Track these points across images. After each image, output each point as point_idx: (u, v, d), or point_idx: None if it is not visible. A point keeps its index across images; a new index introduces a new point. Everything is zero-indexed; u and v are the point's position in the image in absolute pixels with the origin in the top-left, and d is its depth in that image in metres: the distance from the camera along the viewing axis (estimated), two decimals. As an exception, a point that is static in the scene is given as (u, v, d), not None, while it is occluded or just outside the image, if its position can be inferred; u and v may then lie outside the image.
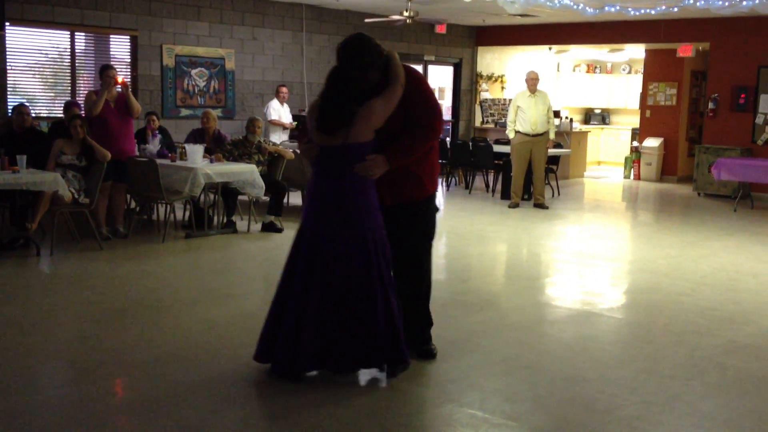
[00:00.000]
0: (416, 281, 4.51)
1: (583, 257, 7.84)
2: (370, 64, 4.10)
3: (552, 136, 10.98)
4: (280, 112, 11.59)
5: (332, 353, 4.13)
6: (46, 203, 7.18)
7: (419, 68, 15.36)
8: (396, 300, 4.20)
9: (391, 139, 4.13)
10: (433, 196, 4.49)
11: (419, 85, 4.28)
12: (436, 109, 4.32)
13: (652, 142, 15.07)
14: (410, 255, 4.42)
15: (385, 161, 4.10)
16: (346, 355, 4.13)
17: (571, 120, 15.66)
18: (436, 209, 4.55)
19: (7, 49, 9.92)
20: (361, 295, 4.08)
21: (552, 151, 11.48)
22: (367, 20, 12.23)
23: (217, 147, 8.88)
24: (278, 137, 11.37)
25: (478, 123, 16.39)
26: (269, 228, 8.60)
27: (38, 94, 10.67)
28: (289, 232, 8.54)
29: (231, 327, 5.20)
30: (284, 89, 11.69)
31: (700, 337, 5.26)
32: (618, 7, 11.55)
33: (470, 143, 12.92)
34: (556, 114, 12.75)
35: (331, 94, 4.07)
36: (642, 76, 15.95)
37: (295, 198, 10.37)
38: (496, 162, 12.25)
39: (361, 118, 4.03)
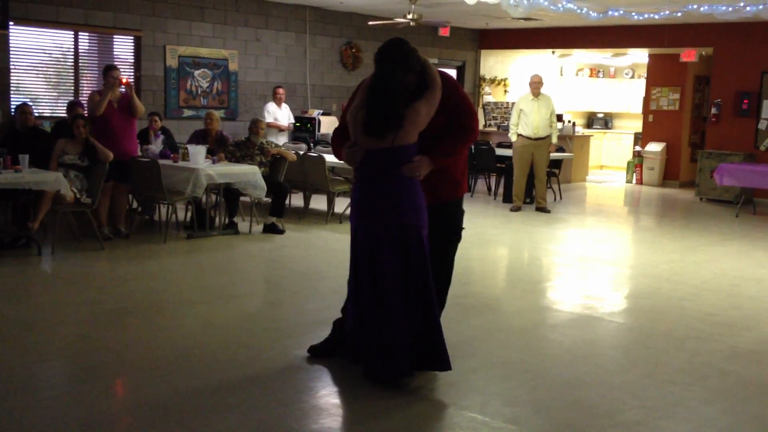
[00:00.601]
0: (443, 283, 4.59)
1: (585, 261, 7.84)
2: (411, 68, 4.21)
3: (555, 140, 10.98)
4: (276, 114, 11.49)
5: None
6: (48, 203, 7.18)
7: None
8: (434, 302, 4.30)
9: (430, 141, 4.23)
10: (463, 198, 4.63)
11: (456, 88, 4.41)
12: (473, 110, 4.47)
13: (655, 147, 15.06)
14: (441, 256, 4.48)
15: (430, 162, 4.22)
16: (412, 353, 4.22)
17: (574, 124, 15.66)
18: (463, 211, 4.67)
19: (11, 49, 9.93)
20: (420, 289, 4.18)
21: (554, 154, 11.47)
22: (370, 23, 12.24)
23: (219, 148, 8.89)
24: (275, 140, 11.32)
25: (480, 126, 16.38)
26: (271, 229, 8.60)
27: (41, 94, 10.69)
28: (291, 233, 8.56)
29: (232, 328, 5.20)
30: (281, 90, 11.60)
31: (701, 342, 5.26)
32: (621, 12, 11.54)
33: (473, 146, 12.89)
34: (559, 118, 12.74)
35: (379, 98, 4.13)
36: (645, 80, 15.95)
37: (296, 200, 10.37)
38: (499, 165, 12.24)
39: (408, 121, 4.13)
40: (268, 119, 11.40)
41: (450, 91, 4.31)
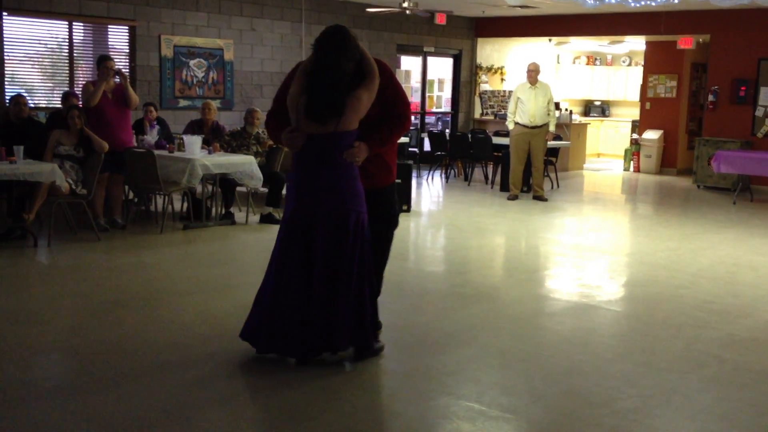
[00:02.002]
0: (379, 267, 4.63)
1: (582, 250, 7.83)
2: (353, 56, 4.26)
3: (552, 128, 10.95)
4: None
5: (309, 335, 4.25)
6: (43, 194, 7.16)
7: (419, 60, 15.41)
8: (371, 285, 4.34)
9: (366, 128, 4.30)
10: (395, 184, 4.70)
11: (391, 77, 4.48)
12: (407, 99, 4.60)
13: (652, 135, 15.04)
14: (377, 241, 4.50)
15: (367, 148, 4.28)
16: (315, 337, 4.25)
17: (571, 112, 15.64)
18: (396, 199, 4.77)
19: (5, 39, 9.87)
20: (342, 275, 4.22)
21: (551, 143, 11.45)
22: (367, 10, 12.19)
23: (215, 138, 8.86)
24: None
25: (477, 115, 16.36)
26: (267, 219, 8.59)
27: (36, 85, 10.64)
28: (288, 223, 8.53)
29: (228, 318, 5.19)
30: None
31: (698, 330, 5.26)
32: (618, -1, 11.50)
33: (469, 135, 12.89)
34: (556, 106, 12.72)
35: (322, 84, 4.15)
36: (642, 68, 15.92)
37: (293, 189, 10.33)
38: (496, 154, 12.23)
39: (350, 108, 4.16)
40: None
41: (386, 80, 4.38)
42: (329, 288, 4.21)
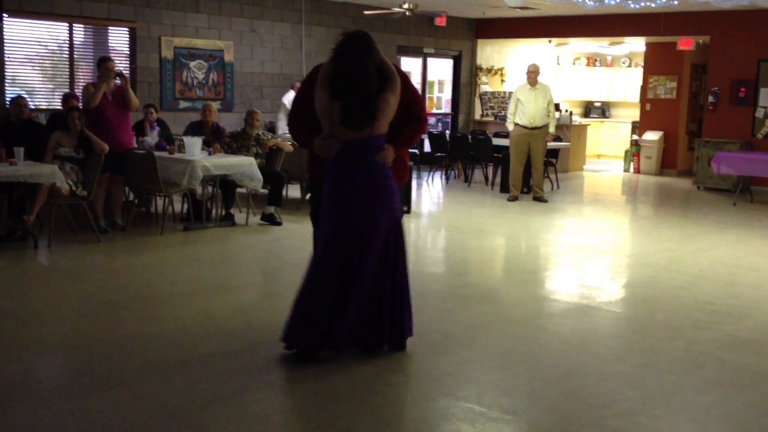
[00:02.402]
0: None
1: (582, 251, 7.83)
2: (375, 60, 4.36)
3: (552, 129, 10.95)
4: None
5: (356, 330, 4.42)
6: (43, 195, 7.17)
7: (419, 61, 15.41)
8: (407, 282, 4.52)
9: (390, 129, 4.43)
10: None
11: (407, 80, 4.64)
12: (422, 100, 4.84)
13: (652, 136, 15.05)
14: None
15: (393, 150, 4.44)
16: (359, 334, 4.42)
17: (571, 113, 15.64)
18: None
19: (6, 41, 9.88)
20: (387, 273, 4.39)
21: (551, 144, 11.45)
22: (366, 12, 12.20)
23: (215, 139, 8.86)
24: None
25: (477, 116, 16.37)
26: (268, 219, 8.59)
27: (37, 86, 10.64)
28: (288, 225, 8.54)
29: (229, 320, 5.19)
30: (298, 84, 11.90)
31: (698, 331, 5.26)
32: (618, 0, 11.50)
33: (469, 136, 12.89)
34: (556, 107, 12.72)
35: (356, 91, 4.22)
36: (642, 69, 15.92)
37: (293, 191, 10.35)
38: (496, 155, 12.23)
39: (382, 112, 4.27)
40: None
41: (404, 82, 4.49)
42: (375, 286, 4.35)
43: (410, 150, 13.31)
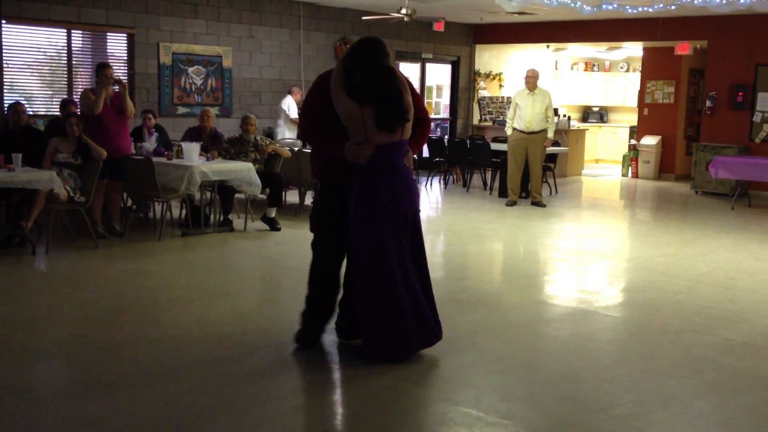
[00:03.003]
0: None
1: (580, 255, 7.84)
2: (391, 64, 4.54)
3: (551, 134, 10.95)
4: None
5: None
6: (41, 201, 7.17)
7: (417, 66, 15.44)
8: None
9: None
10: None
11: (411, 84, 4.72)
12: (424, 102, 4.98)
13: (650, 140, 15.06)
14: None
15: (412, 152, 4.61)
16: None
17: (569, 118, 15.66)
18: None
19: (4, 47, 9.89)
20: (425, 270, 4.61)
21: (550, 149, 11.46)
22: (364, 18, 12.22)
23: (213, 145, 8.87)
24: (292, 135, 11.80)
25: (476, 121, 16.38)
26: (269, 222, 8.59)
27: (35, 92, 10.65)
28: (286, 230, 8.55)
29: (227, 325, 5.19)
30: (296, 89, 12.18)
31: (696, 335, 5.26)
32: (615, 5, 11.51)
33: (468, 141, 12.91)
34: (555, 112, 12.74)
35: (390, 95, 4.32)
36: (640, 74, 15.94)
37: (291, 196, 10.35)
38: (494, 160, 12.24)
39: (411, 113, 4.42)
40: (293, 116, 11.58)
41: (410, 86, 4.60)
42: (420, 282, 4.52)
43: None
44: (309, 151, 9.50)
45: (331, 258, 4.68)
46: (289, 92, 12.06)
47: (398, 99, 4.33)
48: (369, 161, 4.35)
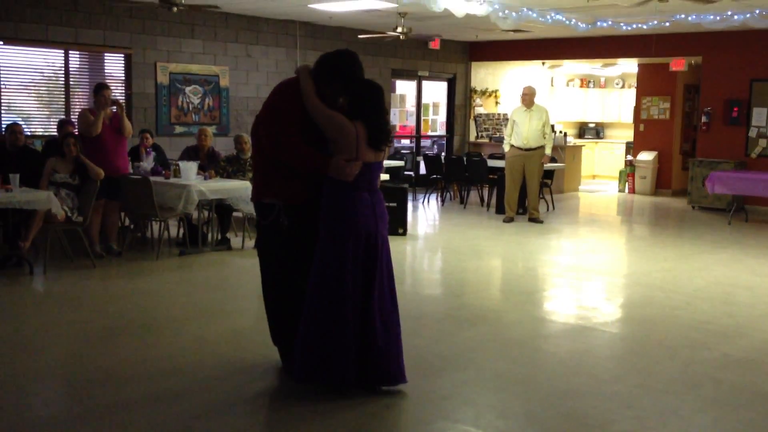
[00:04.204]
0: None
1: (578, 271, 7.84)
2: None
3: (548, 151, 10.98)
4: None
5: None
6: (39, 221, 7.16)
7: (413, 84, 15.49)
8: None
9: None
10: None
11: None
12: None
13: (646, 156, 15.11)
14: None
15: None
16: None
17: (566, 134, 15.71)
18: None
19: (1, 68, 9.92)
20: (394, 295, 4.37)
21: (547, 165, 11.49)
22: (360, 36, 12.28)
23: (210, 164, 8.88)
24: None
25: (472, 138, 16.43)
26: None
27: (33, 113, 10.67)
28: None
29: (224, 344, 5.18)
30: None
31: (694, 351, 5.25)
32: (610, 22, 11.60)
33: (465, 158, 12.94)
34: (551, 128, 12.77)
35: (381, 112, 4.26)
36: (635, 90, 16.02)
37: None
38: (491, 177, 12.26)
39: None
40: None
41: None
42: (386, 311, 4.27)
43: (406, 172, 13.43)
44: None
45: (296, 287, 4.32)
46: None
47: (383, 117, 4.26)
48: (356, 179, 4.16)
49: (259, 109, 4.52)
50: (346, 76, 4.23)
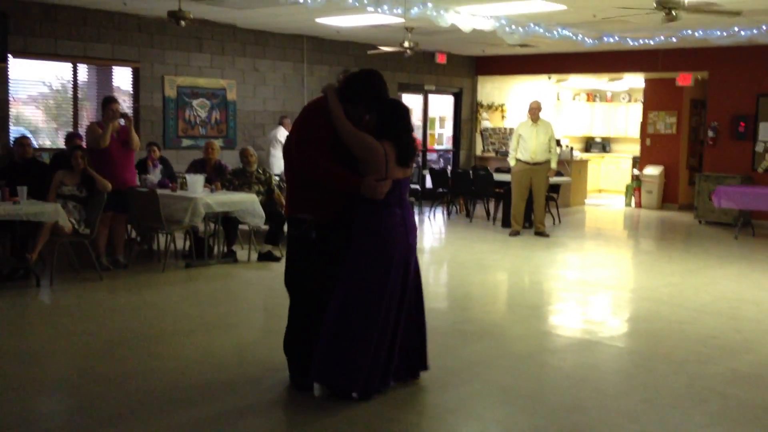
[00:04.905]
0: None
1: (584, 285, 7.82)
2: None
3: (554, 165, 10.99)
4: None
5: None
6: (46, 234, 7.19)
7: (420, 98, 15.54)
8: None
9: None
10: None
11: None
12: None
13: (653, 170, 15.10)
14: None
15: None
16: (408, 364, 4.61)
17: (572, 148, 15.72)
18: None
19: (10, 81, 10.00)
20: (422, 302, 4.69)
21: (553, 179, 11.50)
22: (369, 52, 12.32)
23: (217, 177, 8.92)
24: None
25: (478, 152, 16.45)
26: (266, 257, 8.59)
27: (41, 125, 10.74)
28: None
29: (230, 357, 5.18)
30: (287, 120, 11.89)
31: (701, 365, 5.23)
32: (617, 38, 11.63)
33: (471, 172, 12.94)
34: (557, 143, 12.79)
35: (407, 130, 4.43)
36: (642, 104, 16.03)
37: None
38: (497, 190, 12.27)
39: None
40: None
41: None
42: (418, 316, 4.61)
43: (412, 185, 13.46)
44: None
45: (321, 303, 4.41)
46: (281, 123, 11.93)
47: (410, 135, 4.46)
48: (385, 197, 4.31)
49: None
50: (373, 96, 4.37)
